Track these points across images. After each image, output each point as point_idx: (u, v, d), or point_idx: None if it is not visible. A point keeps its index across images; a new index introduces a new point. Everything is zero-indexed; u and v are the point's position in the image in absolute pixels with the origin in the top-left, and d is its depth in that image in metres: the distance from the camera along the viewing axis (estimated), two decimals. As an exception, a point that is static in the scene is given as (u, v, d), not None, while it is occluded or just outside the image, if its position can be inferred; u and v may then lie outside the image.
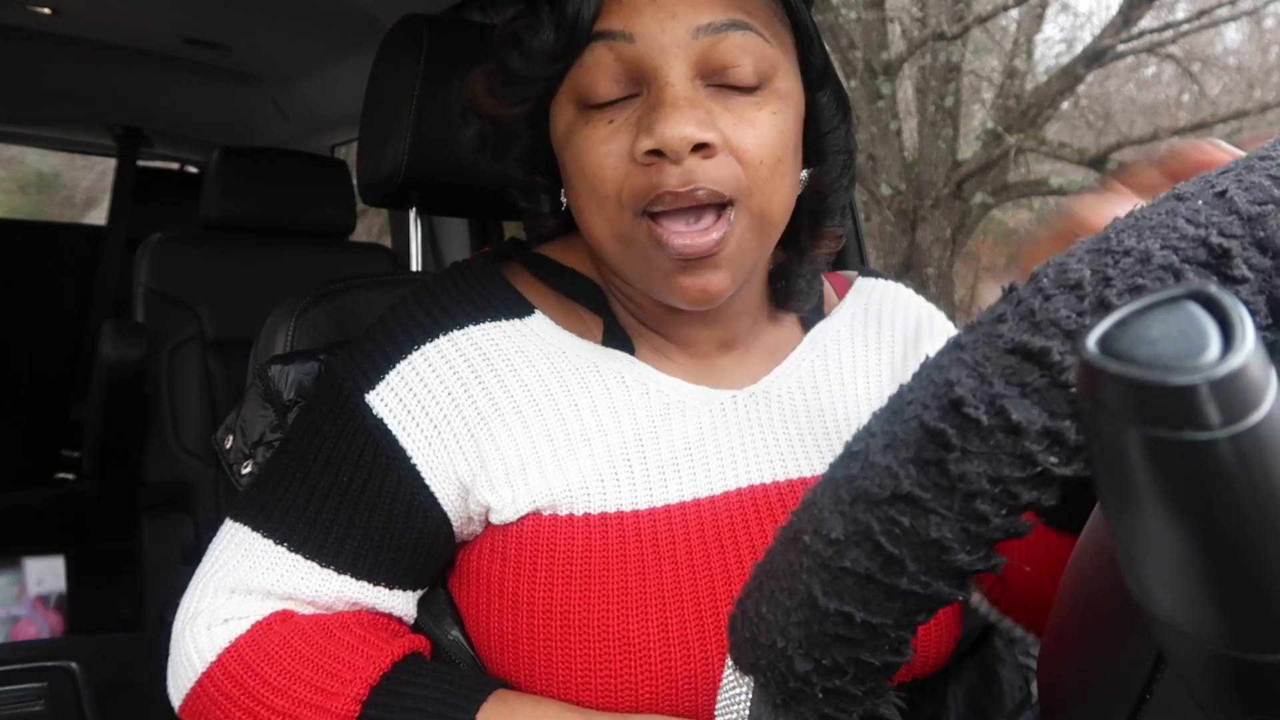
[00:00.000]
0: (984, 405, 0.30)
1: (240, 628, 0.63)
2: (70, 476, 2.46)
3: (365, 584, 0.64)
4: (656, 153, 0.57)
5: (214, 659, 0.63)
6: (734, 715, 0.40)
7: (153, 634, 1.51)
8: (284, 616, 0.64)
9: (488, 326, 0.66)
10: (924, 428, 0.31)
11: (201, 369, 1.91)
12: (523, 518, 0.64)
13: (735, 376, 0.72)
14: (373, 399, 0.64)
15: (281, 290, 1.05)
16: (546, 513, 0.63)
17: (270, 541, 0.64)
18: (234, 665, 0.62)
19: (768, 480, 0.68)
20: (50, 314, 2.61)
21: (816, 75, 0.67)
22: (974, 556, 0.31)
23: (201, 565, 0.67)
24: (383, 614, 0.67)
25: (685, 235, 0.59)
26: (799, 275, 0.73)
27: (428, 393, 0.64)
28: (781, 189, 0.62)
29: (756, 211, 0.61)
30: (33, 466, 2.48)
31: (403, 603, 0.67)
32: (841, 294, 0.82)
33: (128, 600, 1.75)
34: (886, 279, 0.85)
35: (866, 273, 0.85)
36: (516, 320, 0.68)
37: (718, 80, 0.60)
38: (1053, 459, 0.29)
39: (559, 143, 0.64)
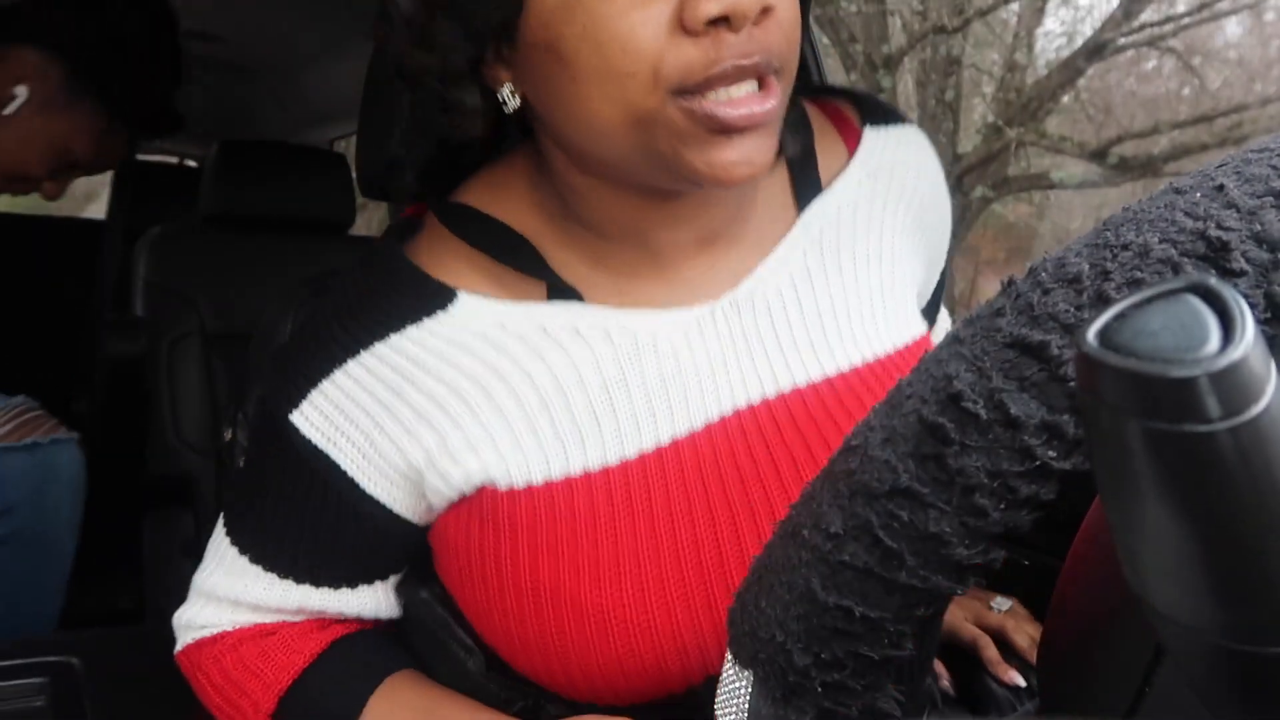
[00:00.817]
0: (982, 399, 0.30)
1: (203, 634, 0.69)
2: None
3: (326, 590, 0.65)
4: (721, 20, 0.50)
5: (180, 651, 0.71)
6: (734, 709, 0.40)
7: (153, 627, 1.51)
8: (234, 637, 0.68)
9: (410, 331, 0.61)
10: (922, 422, 0.31)
11: (202, 362, 1.91)
12: (480, 489, 0.61)
13: (714, 282, 0.64)
14: (298, 419, 0.61)
15: (281, 283, 1.05)
16: (503, 486, 0.60)
17: (236, 550, 0.66)
18: (185, 663, 0.70)
19: (755, 399, 0.62)
20: (50, 308, 2.60)
21: None
22: (973, 550, 0.31)
23: (202, 563, 0.70)
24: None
25: (744, 104, 0.52)
26: None
27: (355, 406, 0.61)
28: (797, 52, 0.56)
29: (787, 78, 0.55)
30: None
31: (369, 596, 0.67)
32: (850, 146, 0.70)
33: (128, 593, 1.75)
34: (897, 120, 0.71)
35: (875, 114, 0.71)
36: (440, 313, 0.61)
37: None
38: (1051, 453, 0.29)
39: (547, 14, 0.53)
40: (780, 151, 0.60)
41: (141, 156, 2.73)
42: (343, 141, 2.62)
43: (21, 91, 1.20)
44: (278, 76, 2.28)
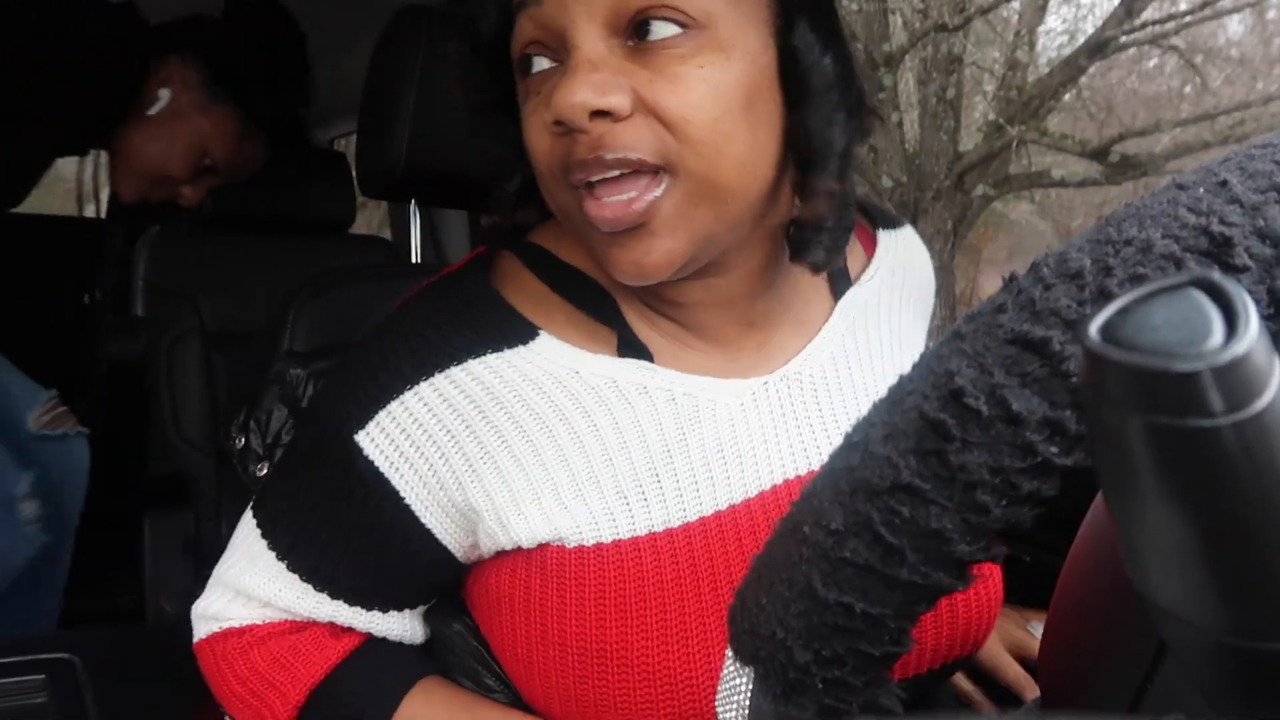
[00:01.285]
0: (984, 395, 0.30)
1: (231, 624, 0.68)
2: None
3: (359, 609, 0.64)
4: (560, 123, 0.53)
5: (203, 639, 0.69)
6: (734, 706, 0.40)
7: (153, 625, 1.51)
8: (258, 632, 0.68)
9: (490, 359, 0.61)
10: (924, 418, 0.31)
11: (202, 361, 1.91)
12: (544, 545, 0.61)
13: (765, 359, 0.66)
14: (362, 439, 0.60)
15: (281, 283, 1.05)
16: (572, 543, 0.59)
17: (274, 555, 0.64)
18: (206, 653, 0.69)
19: (804, 471, 0.64)
20: (49, 308, 2.60)
21: (789, 9, 0.58)
22: (974, 547, 0.31)
23: (225, 554, 0.69)
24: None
25: (608, 207, 0.54)
26: (807, 235, 0.62)
27: (423, 433, 0.60)
28: (730, 151, 0.55)
29: (699, 178, 0.54)
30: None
31: (398, 621, 0.67)
32: (869, 250, 0.75)
33: (128, 592, 1.75)
34: (900, 224, 0.79)
35: (883, 219, 0.78)
36: (521, 347, 0.61)
37: (636, 35, 0.54)
38: (1053, 449, 0.29)
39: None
40: (799, 258, 0.63)
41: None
42: (343, 141, 2.62)
43: (164, 94, 1.31)
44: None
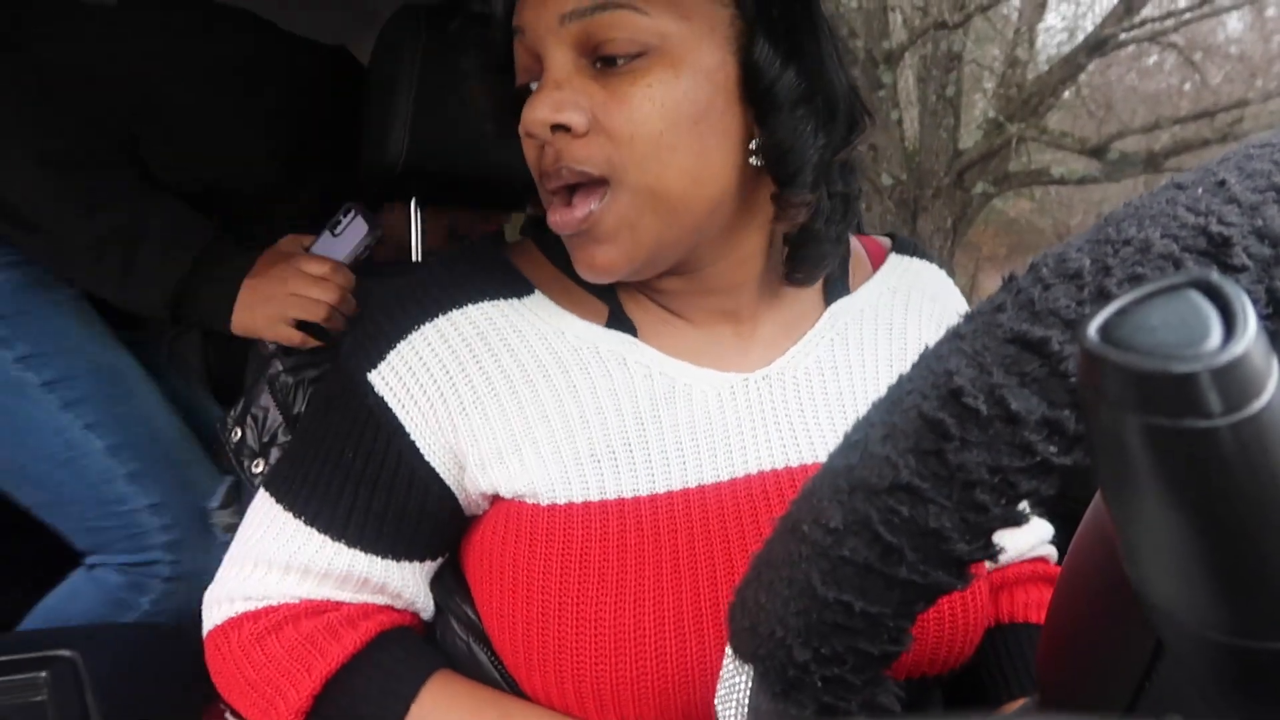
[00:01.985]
0: (983, 395, 0.30)
1: (247, 607, 0.68)
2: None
3: (374, 558, 0.67)
4: (529, 135, 0.61)
5: (217, 626, 0.69)
6: (733, 704, 0.40)
7: (153, 622, 1.51)
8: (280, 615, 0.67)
9: (485, 305, 0.67)
10: (923, 417, 0.31)
11: (202, 359, 1.91)
12: (520, 500, 0.64)
13: (747, 356, 0.70)
14: (374, 378, 0.66)
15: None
16: (545, 500, 0.63)
17: (290, 515, 0.67)
18: (220, 640, 0.68)
19: (779, 466, 0.67)
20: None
21: (749, 25, 0.61)
22: (973, 546, 0.31)
23: (239, 533, 0.71)
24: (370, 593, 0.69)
25: (559, 212, 0.62)
26: (802, 245, 0.68)
27: (425, 371, 0.65)
28: (673, 163, 0.59)
29: (643, 189, 0.60)
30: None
31: (411, 576, 0.69)
32: (876, 264, 0.79)
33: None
34: (924, 255, 0.81)
35: (903, 244, 0.82)
36: (515, 299, 0.68)
37: (602, 60, 0.60)
38: (1052, 448, 0.29)
39: None
40: (792, 271, 0.69)
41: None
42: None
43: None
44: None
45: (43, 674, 0.81)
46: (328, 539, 0.66)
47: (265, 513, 0.69)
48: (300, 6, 1.84)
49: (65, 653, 0.85)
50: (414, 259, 1.44)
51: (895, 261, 0.79)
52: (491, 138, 0.72)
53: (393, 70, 1.06)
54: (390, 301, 0.69)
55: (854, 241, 0.80)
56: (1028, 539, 0.75)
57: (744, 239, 0.67)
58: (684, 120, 0.59)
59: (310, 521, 0.66)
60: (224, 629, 0.68)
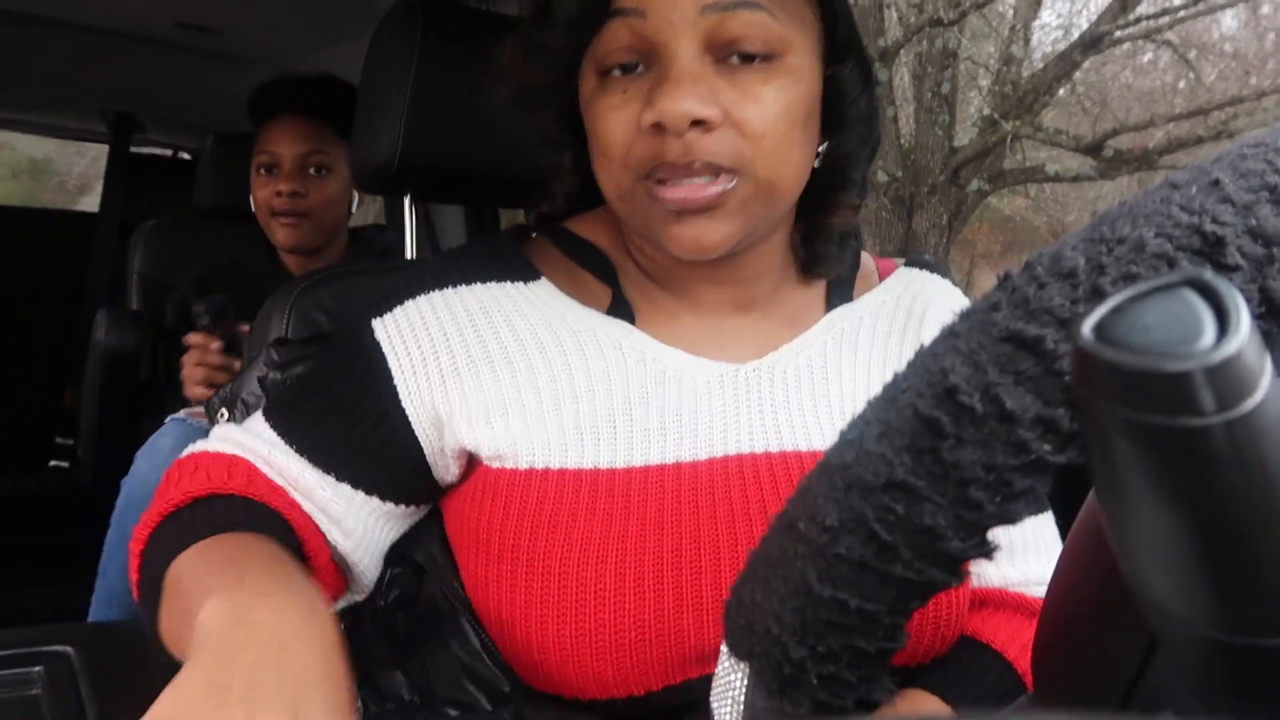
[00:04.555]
0: (978, 393, 0.30)
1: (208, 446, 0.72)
2: (65, 464, 2.46)
3: (319, 472, 0.70)
4: (659, 126, 0.61)
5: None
6: (729, 702, 0.40)
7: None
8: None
9: (492, 285, 0.72)
10: (918, 415, 0.31)
11: (196, 356, 1.90)
12: (500, 465, 0.67)
13: (743, 345, 0.73)
14: (378, 324, 0.71)
15: (276, 277, 1.05)
16: (524, 464, 0.66)
17: (267, 424, 0.72)
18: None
19: (759, 450, 0.69)
20: (43, 301, 2.59)
21: (839, 49, 0.70)
22: (968, 544, 0.31)
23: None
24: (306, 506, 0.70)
25: (683, 189, 0.63)
26: (819, 240, 0.75)
27: (424, 329, 0.70)
28: (790, 160, 0.65)
29: (763, 181, 0.64)
30: (26, 454, 2.47)
31: (346, 501, 0.70)
32: (884, 278, 0.82)
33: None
34: (935, 270, 0.84)
35: (914, 261, 0.85)
36: (521, 284, 0.73)
37: (726, 55, 0.63)
38: (1046, 447, 0.29)
39: (583, 107, 0.69)
40: (811, 266, 0.76)
41: (135, 149, 2.71)
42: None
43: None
44: (274, 70, 2.26)
45: (37, 668, 0.81)
46: (293, 451, 0.70)
47: (250, 420, 0.75)
48: (296, 1, 1.83)
49: (60, 648, 0.85)
50: (408, 255, 1.44)
51: (903, 274, 0.82)
52: (525, 110, 0.75)
53: (389, 65, 1.06)
54: (411, 270, 0.75)
55: (866, 258, 0.84)
56: (1023, 572, 0.74)
57: (777, 233, 0.73)
58: (799, 121, 0.65)
59: (277, 429, 0.71)
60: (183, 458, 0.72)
